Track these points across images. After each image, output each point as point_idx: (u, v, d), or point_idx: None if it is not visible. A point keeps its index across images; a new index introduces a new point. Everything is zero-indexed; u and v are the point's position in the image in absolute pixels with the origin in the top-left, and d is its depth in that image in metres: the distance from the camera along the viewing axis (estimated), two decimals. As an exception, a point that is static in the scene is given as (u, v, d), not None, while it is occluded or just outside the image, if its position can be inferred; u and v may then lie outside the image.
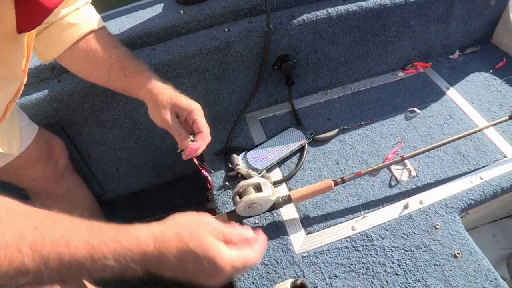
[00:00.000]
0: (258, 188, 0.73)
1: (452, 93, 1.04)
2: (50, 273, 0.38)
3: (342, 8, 0.98)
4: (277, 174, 0.90)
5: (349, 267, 0.72)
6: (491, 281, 0.67)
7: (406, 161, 0.85)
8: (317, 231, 0.78)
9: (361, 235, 0.76)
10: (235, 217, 0.76)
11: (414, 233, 0.75)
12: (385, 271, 0.70)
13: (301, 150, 0.94)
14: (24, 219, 0.38)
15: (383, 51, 1.10)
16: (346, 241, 0.75)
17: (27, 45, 0.62)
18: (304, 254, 0.74)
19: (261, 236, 0.54)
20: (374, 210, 0.80)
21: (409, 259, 0.71)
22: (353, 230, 0.77)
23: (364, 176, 0.85)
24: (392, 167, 0.87)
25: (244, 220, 0.80)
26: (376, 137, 0.95)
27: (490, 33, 1.18)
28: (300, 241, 0.77)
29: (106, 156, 1.12)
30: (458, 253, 0.71)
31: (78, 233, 0.41)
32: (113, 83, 0.74)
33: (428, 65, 1.12)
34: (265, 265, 0.74)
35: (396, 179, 0.85)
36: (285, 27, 0.96)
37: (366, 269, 0.71)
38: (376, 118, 0.99)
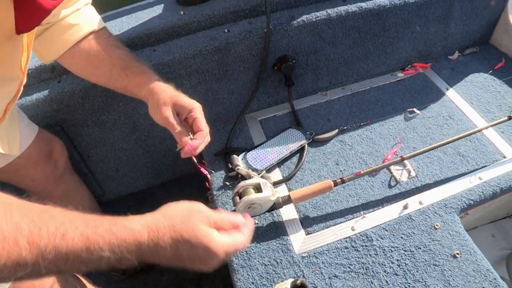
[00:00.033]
0: (258, 189, 0.74)
1: (451, 93, 1.04)
2: (47, 265, 0.39)
3: (342, 9, 0.99)
4: (277, 175, 0.90)
5: (349, 267, 0.72)
6: (490, 281, 0.67)
7: (405, 161, 0.85)
8: (317, 231, 0.78)
9: (361, 235, 0.76)
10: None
11: (414, 233, 0.75)
12: (385, 271, 0.71)
13: (301, 150, 0.94)
14: (20, 213, 0.39)
15: (383, 52, 1.10)
16: (346, 241, 0.76)
17: (27, 46, 0.62)
18: (304, 255, 0.75)
19: (249, 220, 0.56)
20: (374, 211, 0.80)
21: (408, 259, 0.72)
22: (353, 230, 0.77)
23: (364, 177, 0.85)
24: (392, 168, 0.87)
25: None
26: (375, 137, 0.95)
27: (489, 34, 1.19)
28: (300, 241, 0.77)
29: (106, 157, 1.12)
30: (458, 253, 0.71)
31: (73, 226, 0.41)
32: (114, 83, 0.74)
33: (427, 66, 1.13)
34: (265, 265, 0.74)
35: (395, 179, 0.85)
36: (285, 28, 0.97)
37: (366, 269, 0.71)
38: (376, 118, 1.00)
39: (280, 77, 1.05)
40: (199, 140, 0.69)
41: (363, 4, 0.99)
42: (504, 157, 0.87)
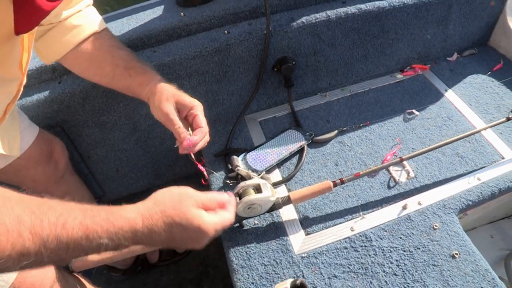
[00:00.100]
0: (257, 189, 0.74)
1: (450, 95, 1.05)
2: (49, 254, 0.41)
3: (341, 10, 0.99)
4: (276, 175, 0.90)
5: (348, 268, 0.72)
6: (489, 281, 0.67)
7: (404, 162, 0.86)
8: (316, 231, 0.78)
9: (360, 235, 0.76)
10: (235, 217, 0.76)
11: (413, 233, 0.75)
12: (384, 271, 0.71)
13: (300, 151, 0.94)
14: (21, 206, 0.41)
15: (382, 53, 1.11)
16: (345, 241, 0.76)
17: (27, 47, 0.63)
18: (303, 255, 0.75)
19: (232, 198, 0.62)
20: (373, 211, 0.80)
21: (407, 259, 0.72)
22: (352, 230, 0.77)
23: (363, 177, 0.85)
24: (391, 169, 0.87)
25: (244, 221, 0.80)
26: (374, 138, 0.96)
27: (488, 36, 1.19)
28: (299, 241, 0.77)
29: (106, 157, 1.13)
30: (456, 254, 0.71)
31: (72, 216, 0.43)
32: (117, 83, 0.75)
33: (426, 67, 1.13)
34: (265, 265, 0.74)
35: (394, 180, 0.86)
36: (284, 30, 0.97)
37: (365, 269, 0.72)
38: (375, 119, 1.00)
39: (279, 78, 1.06)
40: (198, 136, 0.69)
41: (363, 6, 1.00)
42: (503, 158, 0.87)
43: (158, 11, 1.05)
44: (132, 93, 0.75)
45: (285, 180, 0.89)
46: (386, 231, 0.77)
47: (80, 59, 0.75)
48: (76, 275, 0.79)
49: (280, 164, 0.93)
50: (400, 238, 0.75)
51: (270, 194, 0.73)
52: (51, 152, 0.92)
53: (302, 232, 0.79)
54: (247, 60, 1.00)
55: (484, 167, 0.86)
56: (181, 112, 0.71)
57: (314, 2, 1.04)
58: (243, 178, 0.87)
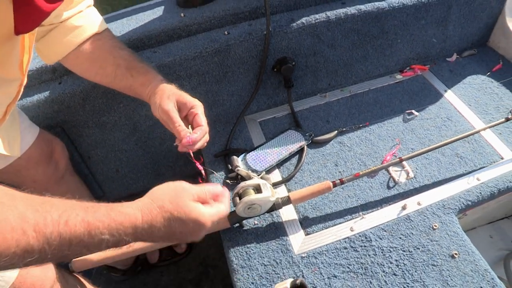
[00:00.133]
0: (257, 189, 0.74)
1: (449, 95, 1.05)
2: (53, 251, 0.42)
3: (341, 11, 0.99)
4: (276, 176, 0.91)
5: (348, 268, 0.72)
6: (488, 281, 0.68)
7: (404, 162, 0.86)
8: (316, 232, 0.79)
9: (360, 235, 0.77)
10: (235, 218, 0.76)
11: (412, 233, 0.76)
12: (384, 271, 0.71)
13: (300, 152, 0.95)
14: (24, 204, 0.41)
15: (382, 54, 1.11)
16: (345, 241, 0.76)
17: (28, 47, 0.63)
18: (303, 255, 0.75)
19: (225, 190, 0.63)
20: (373, 211, 0.81)
21: (407, 259, 0.72)
22: (352, 231, 0.77)
23: (363, 178, 0.85)
24: (390, 169, 0.88)
25: (244, 221, 0.80)
26: (374, 139, 0.96)
27: (487, 36, 1.20)
28: (299, 241, 0.77)
29: (107, 158, 1.13)
30: (456, 254, 0.71)
31: (74, 213, 0.44)
32: (118, 83, 0.75)
33: (426, 68, 1.14)
34: (265, 265, 0.75)
35: (394, 180, 0.86)
36: (284, 30, 0.97)
37: (365, 269, 0.72)
38: (375, 120, 1.00)
39: (279, 79, 1.06)
40: (198, 134, 0.69)
41: (362, 7, 1.00)
42: (502, 158, 0.87)
43: (158, 11, 1.05)
44: (134, 93, 0.75)
45: (285, 181, 0.89)
46: (385, 231, 0.77)
47: (81, 59, 0.75)
48: (76, 275, 0.80)
49: (280, 164, 0.93)
50: (400, 238, 0.75)
51: (270, 194, 0.73)
52: (52, 153, 0.92)
53: (302, 232, 0.79)
54: (247, 60, 1.00)
55: (484, 167, 0.86)
56: (182, 111, 0.71)
57: (314, 3, 1.04)
58: (243, 179, 0.87)
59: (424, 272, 0.70)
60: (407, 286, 0.69)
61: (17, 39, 0.58)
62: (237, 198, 0.74)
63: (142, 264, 1.26)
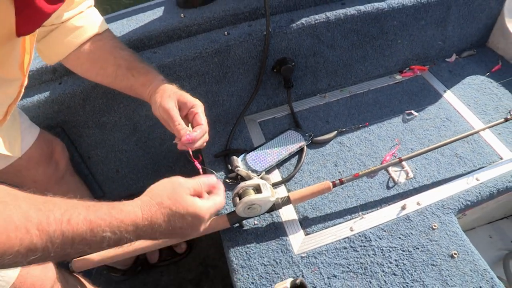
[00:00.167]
0: (257, 190, 0.74)
1: (449, 96, 1.05)
2: (55, 249, 0.43)
3: (341, 12, 1.00)
4: (276, 176, 0.91)
5: (348, 267, 0.73)
6: (487, 281, 0.68)
7: (403, 162, 0.86)
8: (316, 232, 0.79)
9: (359, 235, 0.77)
10: (235, 218, 0.76)
11: (412, 233, 0.76)
12: (383, 271, 0.71)
13: (300, 152, 0.95)
14: (27, 203, 0.42)
15: (381, 55, 1.11)
16: (345, 241, 0.76)
17: (29, 48, 0.63)
18: (303, 255, 0.75)
19: (220, 183, 0.65)
20: (372, 211, 0.81)
21: (406, 259, 0.72)
22: (351, 230, 0.78)
23: (362, 178, 0.86)
24: (390, 169, 0.88)
25: (244, 221, 0.80)
26: (374, 139, 0.96)
27: (486, 37, 1.20)
28: (299, 241, 0.78)
29: (107, 158, 1.13)
30: (455, 253, 0.72)
31: (76, 212, 0.45)
32: (119, 83, 0.75)
33: (425, 68, 1.14)
34: (265, 265, 0.75)
35: (393, 180, 0.86)
36: (284, 31, 0.98)
37: (364, 269, 0.72)
38: (374, 120, 1.01)
39: (279, 79, 1.06)
40: (198, 133, 0.69)
41: (362, 7, 1.00)
42: (501, 158, 0.88)
43: (158, 12, 1.06)
44: (134, 93, 0.75)
45: (285, 181, 0.89)
46: (385, 231, 0.77)
47: (82, 59, 0.75)
48: (77, 275, 0.80)
49: (279, 164, 0.93)
50: (399, 238, 0.76)
51: (270, 194, 0.74)
52: (52, 153, 0.92)
53: (301, 232, 0.79)
54: (246, 61, 1.01)
55: (483, 167, 0.86)
56: (182, 111, 0.71)
57: (313, 4, 1.05)
58: (243, 179, 0.87)
59: (424, 272, 0.70)
60: (407, 285, 0.69)
61: (17, 40, 0.59)
62: (237, 198, 0.74)
63: (142, 264, 1.26)
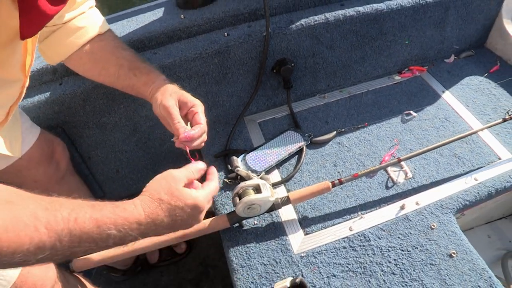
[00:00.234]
0: (257, 190, 0.75)
1: (447, 96, 1.06)
2: (63, 247, 0.44)
3: (340, 13, 1.00)
4: (276, 176, 0.91)
5: (347, 267, 0.73)
6: (486, 280, 0.68)
7: (402, 163, 0.86)
8: (315, 231, 0.79)
9: (359, 235, 0.77)
10: (235, 218, 0.77)
11: (411, 233, 0.76)
12: (382, 270, 0.72)
13: (299, 152, 0.95)
14: (34, 203, 0.43)
15: (380, 55, 1.12)
16: (344, 241, 0.77)
17: (31, 49, 0.63)
18: (302, 254, 0.76)
19: (212, 168, 0.68)
20: (371, 211, 0.81)
21: (405, 258, 0.73)
22: (351, 230, 0.78)
23: (361, 178, 0.86)
24: (389, 169, 0.88)
25: (244, 221, 0.81)
26: (373, 139, 0.97)
27: (484, 38, 1.20)
28: (298, 241, 0.78)
29: (107, 158, 1.13)
30: (454, 253, 0.72)
31: (83, 211, 0.47)
32: (121, 83, 0.76)
33: (424, 69, 1.14)
34: (264, 265, 0.75)
35: (392, 180, 0.86)
36: (283, 32, 0.98)
37: (364, 268, 0.72)
38: (373, 121, 1.01)
39: (279, 80, 1.07)
40: (196, 131, 0.69)
41: (361, 8, 1.01)
42: (499, 158, 0.88)
43: (158, 13, 1.06)
44: (136, 93, 0.76)
45: (284, 181, 0.89)
46: (384, 230, 0.77)
47: (84, 60, 0.76)
48: (77, 275, 0.80)
49: (279, 164, 0.94)
50: (398, 237, 0.76)
51: (270, 194, 0.74)
52: (53, 153, 0.92)
53: (301, 232, 0.80)
54: (246, 62, 1.01)
55: (481, 167, 0.87)
56: (182, 110, 0.71)
57: (313, 5, 1.05)
58: (243, 179, 0.88)
59: (423, 271, 0.71)
60: (406, 285, 0.69)
61: (19, 42, 0.59)
62: (237, 198, 0.74)
63: (142, 264, 1.27)
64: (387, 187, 0.85)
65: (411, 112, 1.02)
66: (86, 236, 0.46)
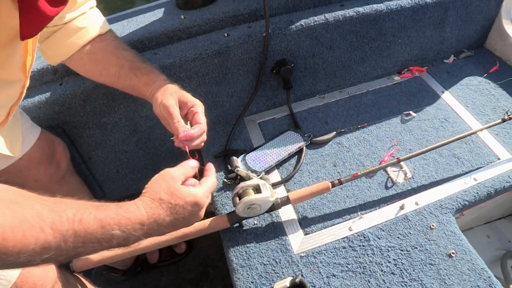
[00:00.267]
0: (257, 190, 0.75)
1: (447, 96, 1.06)
2: (68, 247, 0.44)
3: (339, 13, 1.00)
4: (275, 176, 0.91)
5: (347, 267, 0.73)
6: (485, 280, 0.68)
7: (402, 163, 0.87)
8: (315, 231, 0.79)
9: (358, 235, 0.77)
10: (235, 218, 0.77)
11: (410, 233, 0.76)
12: (382, 270, 0.72)
13: (299, 152, 0.95)
14: (39, 203, 0.44)
15: (380, 56, 1.12)
16: (343, 241, 0.77)
17: (31, 50, 0.64)
18: (302, 254, 0.76)
19: (210, 165, 0.68)
20: (371, 211, 0.81)
21: (405, 258, 0.73)
22: (350, 230, 0.78)
23: (361, 178, 0.86)
24: (388, 169, 0.89)
25: (244, 221, 0.81)
26: (372, 139, 0.97)
27: (484, 38, 1.21)
28: (298, 241, 0.78)
29: (107, 159, 1.13)
30: (453, 253, 0.72)
31: (87, 211, 0.47)
32: (122, 83, 0.76)
33: (423, 70, 1.15)
34: (264, 264, 0.75)
35: (392, 180, 0.87)
36: (283, 32, 0.98)
37: (363, 268, 0.73)
38: (373, 121, 1.01)
39: (278, 80, 1.07)
40: (196, 130, 0.69)
41: (360, 9, 1.01)
42: (498, 158, 0.88)
43: (158, 13, 1.06)
44: (137, 93, 0.76)
45: (284, 181, 0.90)
46: (383, 230, 0.78)
47: (85, 60, 0.76)
48: (77, 275, 0.80)
49: (279, 165, 0.94)
50: (398, 237, 0.76)
51: (270, 194, 0.74)
52: (53, 153, 0.92)
53: (301, 232, 0.80)
54: (246, 62, 1.01)
55: (481, 167, 0.87)
56: (182, 110, 0.72)
57: (312, 5, 1.05)
58: (243, 179, 0.88)
59: (422, 271, 0.71)
60: (405, 285, 0.70)
61: (20, 42, 0.59)
62: (237, 198, 0.74)
63: (142, 264, 1.27)
64: (386, 187, 0.86)
65: (411, 112, 1.02)
66: (91, 237, 0.46)
